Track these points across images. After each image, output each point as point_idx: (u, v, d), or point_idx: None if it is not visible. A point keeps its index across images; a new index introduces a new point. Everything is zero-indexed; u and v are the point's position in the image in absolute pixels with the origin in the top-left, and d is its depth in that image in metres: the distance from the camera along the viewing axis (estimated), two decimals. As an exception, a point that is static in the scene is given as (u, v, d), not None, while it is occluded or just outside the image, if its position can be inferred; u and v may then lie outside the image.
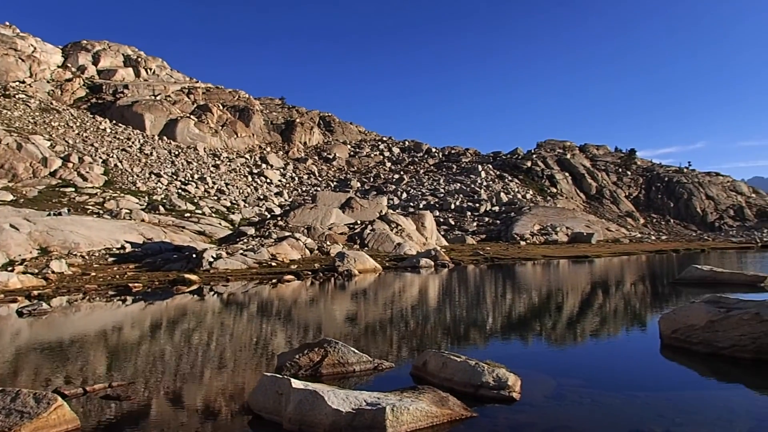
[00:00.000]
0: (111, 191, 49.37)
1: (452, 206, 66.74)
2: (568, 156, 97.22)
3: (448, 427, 5.93)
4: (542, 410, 6.44)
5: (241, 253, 29.41)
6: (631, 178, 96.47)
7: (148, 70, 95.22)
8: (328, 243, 35.85)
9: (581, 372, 8.34)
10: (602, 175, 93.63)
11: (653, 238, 67.86)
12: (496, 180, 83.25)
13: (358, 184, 78.04)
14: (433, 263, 31.54)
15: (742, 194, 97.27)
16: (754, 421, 5.93)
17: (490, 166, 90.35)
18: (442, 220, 60.27)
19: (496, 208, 67.14)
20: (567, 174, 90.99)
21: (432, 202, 68.14)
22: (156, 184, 57.53)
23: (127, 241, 32.38)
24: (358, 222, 41.60)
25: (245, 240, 33.94)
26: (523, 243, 51.52)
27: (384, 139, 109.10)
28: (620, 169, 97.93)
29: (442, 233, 52.56)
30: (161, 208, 45.66)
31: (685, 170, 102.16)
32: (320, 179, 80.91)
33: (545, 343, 11.00)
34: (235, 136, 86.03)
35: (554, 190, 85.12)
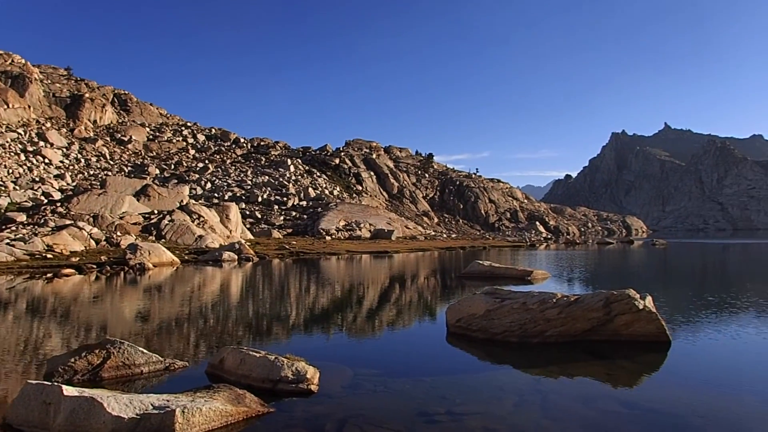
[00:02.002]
0: None
1: (259, 199, 65.60)
2: (374, 156, 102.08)
3: (244, 425, 5.75)
4: (338, 400, 6.59)
5: (8, 243, 25.34)
6: (429, 180, 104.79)
7: None
8: (118, 233, 32.66)
9: (376, 361, 8.75)
10: (404, 176, 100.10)
11: (445, 236, 74.45)
12: (305, 175, 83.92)
13: (157, 171, 72.44)
14: (236, 257, 30.64)
15: (517, 199, 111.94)
16: (518, 396, 6.78)
17: (300, 161, 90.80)
18: (248, 212, 58.88)
19: (304, 203, 67.68)
20: (372, 173, 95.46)
21: (238, 194, 66.17)
22: None
23: None
24: (156, 212, 38.64)
25: (14, 228, 29.28)
26: (328, 238, 52.70)
27: (188, 124, 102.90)
28: (419, 172, 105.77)
29: (248, 226, 51.37)
30: None
31: (473, 176, 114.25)
32: (112, 163, 73.35)
33: (345, 335, 11.33)
34: (6, 106, 73.76)
35: (360, 187, 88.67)
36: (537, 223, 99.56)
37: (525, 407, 6.38)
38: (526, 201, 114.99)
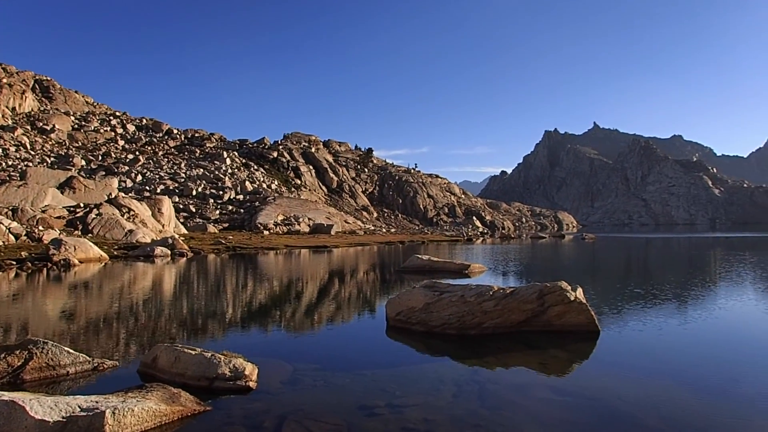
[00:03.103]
0: None
1: (194, 192, 63.72)
2: (313, 150, 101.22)
3: (179, 424, 5.57)
4: (278, 396, 6.50)
5: None
6: (368, 175, 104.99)
7: None
8: (40, 228, 30.89)
9: (316, 356, 8.68)
10: (343, 171, 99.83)
11: (384, 230, 74.89)
12: (242, 168, 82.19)
13: (83, 162, 68.91)
14: (169, 252, 29.66)
15: (455, 195, 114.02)
16: (456, 387, 6.91)
17: (236, 154, 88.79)
18: (182, 206, 57.10)
19: (241, 197, 66.32)
20: (311, 167, 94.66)
21: (171, 187, 64.00)
22: None
23: None
24: (82, 205, 36.80)
25: None
26: (266, 232, 51.89)
27: (117, 113, 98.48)
28: (359, 166, 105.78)
29: (182, 221, 49.85)
30: None
31: (412, 171, 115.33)
32: (33, 153, 69.17)
33: (284, 331, 11.19)
34: None
35: (299, 181, 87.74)
36: (474, 218, 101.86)
37: (463, 397, 6.51)
38: (463, 196, 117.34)
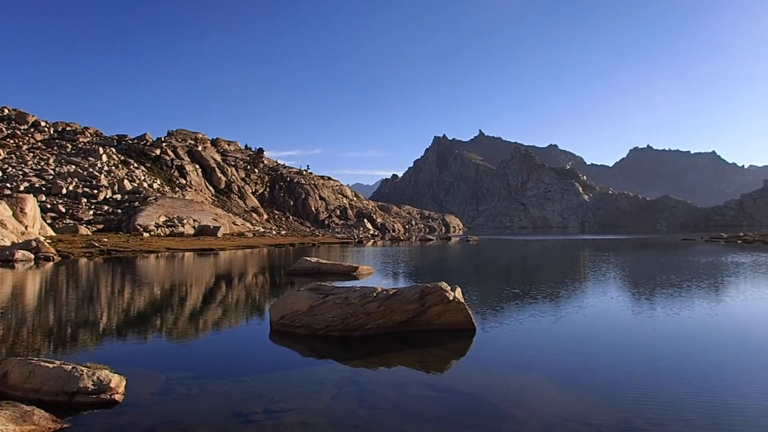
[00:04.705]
0: None
1: (64, 191, 58.63)
2: (200, 148, 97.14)
3: (30, 445, 5.09)
4: (146, 408, 6.15)
5: None
6: (259, 175, 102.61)
7: None
8: None
9: (193, 364, 8.34)
10: (232, 171, 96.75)
11: (274, 232, 73.52)
12: (120, 165, 76.93)
13: (-70, 156, 60.96)
14: (33, 256, 27.11)
15: (347, 197, 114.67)
16: (336, 389, 6.95)
17: (114, 150, 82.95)
18: (49, 206, 52.37)
19: (118, 196, 62.09)
20: (197, 166, 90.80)
21: (37, 185, 58.42)
22: None
23: None
24: (-74, 203, 32.55)
25: None
26: (146, 234, 49.01)
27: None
28: (249, 167, 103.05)
29: (49, 222, 45.76)
30: None
31: (304, 173, 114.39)
32: None
33: (161, 339, 10.63)
34: None
35: (183, 181, 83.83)
36: (365, 220, 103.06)
37: (342, 399, 6.56)
38: (355, 199, 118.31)
